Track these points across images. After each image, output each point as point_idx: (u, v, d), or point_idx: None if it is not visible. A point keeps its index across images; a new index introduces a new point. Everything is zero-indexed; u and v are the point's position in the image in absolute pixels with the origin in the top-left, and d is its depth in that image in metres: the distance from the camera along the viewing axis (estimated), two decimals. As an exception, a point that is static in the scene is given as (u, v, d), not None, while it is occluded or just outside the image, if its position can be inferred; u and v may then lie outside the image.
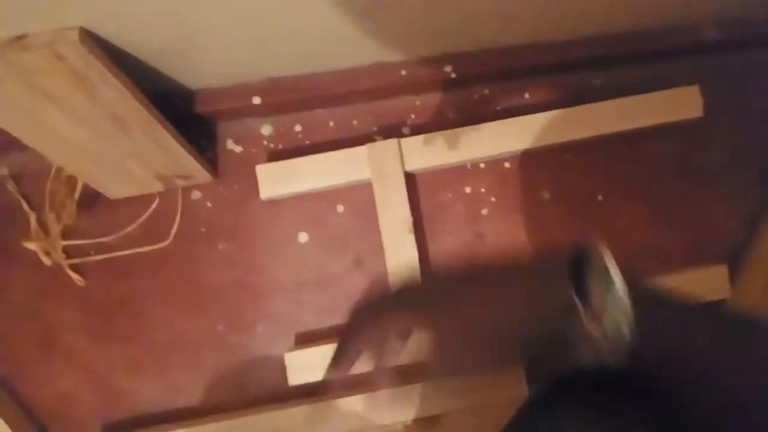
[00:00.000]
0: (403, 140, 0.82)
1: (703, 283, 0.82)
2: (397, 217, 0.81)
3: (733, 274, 0.83)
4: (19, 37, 0.56)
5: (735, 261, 0.86)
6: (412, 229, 0.81)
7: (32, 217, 0.86)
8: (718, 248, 0.87)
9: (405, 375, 0.81)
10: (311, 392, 0.83)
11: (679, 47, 0.85)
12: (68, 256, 0.86)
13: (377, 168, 0.81)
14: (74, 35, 0.56)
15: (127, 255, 0.87)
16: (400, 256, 0.81)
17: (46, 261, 0.86)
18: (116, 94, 0.63)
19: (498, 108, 0.89)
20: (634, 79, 0.88)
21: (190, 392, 0.86)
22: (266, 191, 0.83)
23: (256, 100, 0.81)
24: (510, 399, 0.78)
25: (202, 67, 0.74)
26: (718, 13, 0.82)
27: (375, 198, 0.81)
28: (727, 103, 0.88)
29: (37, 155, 0.75)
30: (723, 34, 0.83)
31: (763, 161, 0.89)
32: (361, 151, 0.82)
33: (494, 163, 0.87)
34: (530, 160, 0.87)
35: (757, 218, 0.87)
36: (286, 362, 0.80)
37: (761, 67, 0.90)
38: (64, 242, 0.86)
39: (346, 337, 0.50)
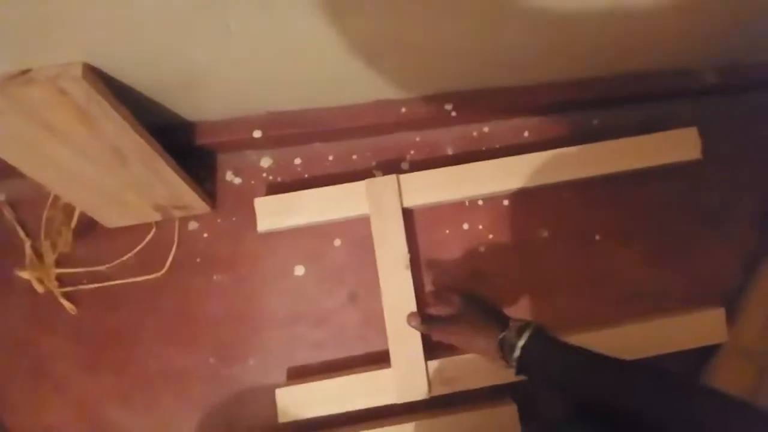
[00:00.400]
0: (402, 176, 0.82)
1: (701, 326, 0.82)
2: (394, 253, 0.81)
3: (731, 317, 0.82)
4: (23, 72, 0.56)
5: (733, 303, 0.85)
6: (409, 265, 0.80)
7: (27, 245, 0.86)
8: (715, 290, 0.87)
9: (398, 414, 0.81)
10: (302, 429, 0.82)
11: (678, 90, 0.86)
12: (61, 284, 0.86)
13: (375, 203, 0.81)
14: (77, 70, 0.56)
15: (121, 284, 0.86)
16: (397, 292, 0.80)
17: (39, 289, 0.85)
18: (117, 128, 0.63)
19: (497, 146, 0.89)
20: (633, 120, 0.88)
21: (178, 426, 0.85)
22: (264, 224, 0.82)
23: (257, 134, 0.81)
24: (504, 440, 0.78)
25: (203, 101, 0.75)
26: (717, 58, 0.83)
27: (372, 233, 0.81)
28: (726, 145, 0.88)
29: (34, 183, 0.75)
30: (721, 79, 0.84)
31: (760, 203, 0.89)
32: (359, 186, 0.82)
33: (492, 200, 0.87)
34: (528, 198, 0.88)
35: (754, 261, 0.87)
36: (277, 399, 0.79)
37: (759, 111, 0.91)
38: (58, 270, 0.85)
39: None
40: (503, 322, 0.68)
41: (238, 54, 0.62)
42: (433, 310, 0.81)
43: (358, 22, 0.59)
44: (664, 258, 0.87)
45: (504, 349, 0.66)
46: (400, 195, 0.82)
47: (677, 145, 0.84)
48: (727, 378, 0.81)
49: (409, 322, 0.78)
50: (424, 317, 0.78)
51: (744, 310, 0.84)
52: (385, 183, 0.82)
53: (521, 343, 0.63)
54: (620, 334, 0.81)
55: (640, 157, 0.84)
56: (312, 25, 0.57)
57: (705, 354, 0.84)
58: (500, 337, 0.67)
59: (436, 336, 0.77)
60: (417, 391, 0.78)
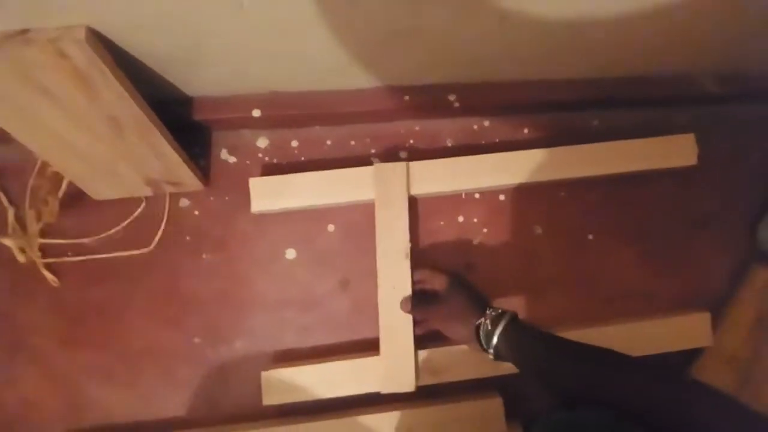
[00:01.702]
0: (412, 164, 0.81)
1: (686, 329, 0.83)
2: (395, 242, 0.80)
3: (716, 322, 0.84)
4: (22, 31, 0.54)
5: (719, 308, 0.87)
6: (409, 254, 0.80)
7: (10, 213, 0.83)
8: (703, 295, 0.88)
9: (384, 402, 0.81)
10: (286, 413, 0.81)
11: (678, 96, 0.87)
12: (44, 255, 0.83)
13: (382, 189, 0.80)
14: (80, 33, 0.54)
15: (106, 258, 0.84)
16: (393, 280, 0.80)
17: (21, 258, 0.82)
18: (116, 96, 0.61)
19: (496, 140, 0.89)
20: (632, 123, 0.89)
21: (160, 404, 0.83)
22: (258, 205, 0.81)
23: (256, 113, 0.80)
24: (488, 433, 0.78)
25: (205, 75, 0.73)
26: (718, 67, 0.84)
27: (376, 220, 0.80)
28: (721, 153, 0.90)
29: (21, 149, 0.72)
30: (721, 87, 0.85)
31: (752, 212, 0.90)
32: (365, 171, 0.81)
33: (489, 194, 0.87)
34: (525, 194, 0.88)
35: (743, 267, 0.88)
36: (263, 381, 0.79)
37: (757, 121, 0.92)
38: (42, 240, 0.83)
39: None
40: (482, 309, 0.70)
41: (246, 30, 0.60)
42: (417, 283, 0.81)
43: (371, 4, 0.57)
44: (654, 260, 0.88)
45: (480, 338, 0.69)
46: (408, 182, 0.81)
47: (674, 151, 0.85)
48: (708, 382, 0.82)
49: (402, 307, 0.78)
50: (413, 301, 0.79)
51: (730, 316, 0.85)
52: (395, 169, 0.81)
53: (497, 332, 0.66)
54: (607, 333, 0.81)
55: (637, 160, 0.85)
56: (325, 4, 0.56)
57: (689, 357, 0.85)
58: (476, 324, 0.69)
59: (420, 316, 0.78)
60: (403, 383, 0.78)
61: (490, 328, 0.67)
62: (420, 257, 0.85)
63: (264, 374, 0.79)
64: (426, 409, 0.79)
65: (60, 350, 0.83)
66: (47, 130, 0.66)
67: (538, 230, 0.88)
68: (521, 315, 0.70)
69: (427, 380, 0.79)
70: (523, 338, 0.65)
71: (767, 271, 0.86)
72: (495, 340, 0.66)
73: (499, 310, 0.69)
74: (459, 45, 0.69)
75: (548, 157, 0.83)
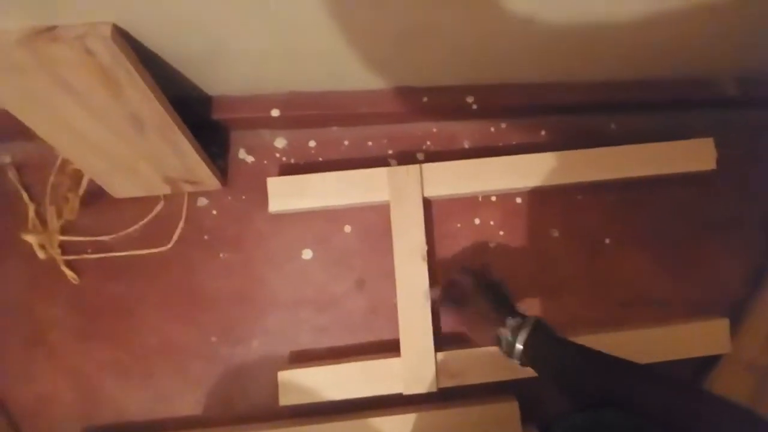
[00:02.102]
0: (425, 166, 0.81)
1: (704, 335, 0.82)
2: (411, 243, 0.80)
3: (734, 328, 0.83)
4: (50, 28, 0.55)
5: (737, 314, 0.86)
6: (426, 256, 0.80)
7: (31, 209, 0.84)
8: (720, 300, 0.88)
9: (399, 404, 0.81)
10: (302, 413, 0.81)
11: (697, 99, 0.87)
12: (64, 252, 0.84)
13: (397, 191, 0.81)
14: (107, 30, 0.55)
15: (125, 256, 0.85)
16: (411, 282, 0.80)
17: (41, 255, 0.83)
18: (140, 95, 0.62)
19: (513, 143, 0.89)
20: (650, 127, 0.89)
21: (175, 402, 0.83)
22: (276, 204, 0.81)
23: (275, 113, 0.80)
24: (506, 438, 0.78)
25: (226, 74, 0.73)
26: (739, 70, 0.84)
27: (391, 222, 0.81)
28: (741, 158, 0.89)
29: (43, 146, 0.73)
30: (741, 91, 0.84)
31: (770, 218, 0.90)
32: (379, 172, 0.81)
33: (506, 196, 0.87)
34: (541, 197, 0.87)
35: (761, 273, 0.87)
36: (279, 382, 0.79)
37: (775, 126, 0.92)
38: (62, 237, 0.84)
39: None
40: (506, 315, 0.68)
41: (269, 30, 0.61)
42: (447, 286, 0.80)
43: (393, 3, 0.58)
44: (671, 265, 0.88)
45: (502, 345, 0.67)
46: (422, 185, 0.81)
47: (693, 155, 0.84)
48: (726, 389, 0.82)
49: (431, 294, 0.79)
50: (441, 296, 0.78)
51: (748, 322, 0.84)
52: (408, 171, 0.81)
53: (519, 341, 0.64)
54: (624, 339, 0.81)
55: (654, 164, 0.84)
56: (347, 2, 0.56)
57: (706, 364, 0.84)
58: (497, 332, 0.67)
59: (445, 314, 0.78)
60: (425, 383, 0.78)
61: (510, 338, 0.65)
62: (438, 259, 0.86)
63: (281, 374, 0.79)
64: (441, 412, 0.79)
65: (77, 346, 0.84)
66: (70, 127, 0.66)
67: (555, 233, 0.87)
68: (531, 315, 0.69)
69: (446, 383, 0.78)
70: (546, 349, 0.63)
71: (787, 276, 0.85)
72: (517, 349, 0.64)
73: (521, 319, 0.66)
74: (478, 46, 0.69)
75: (565, 160, 0.83)
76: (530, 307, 0.86)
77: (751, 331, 0.84)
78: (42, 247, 0.83)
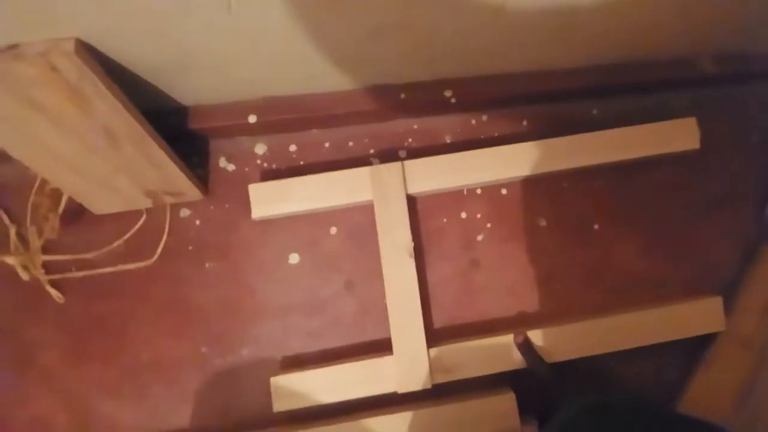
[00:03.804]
0: (407, 162, 0.81)
1: (698, 315, 0.81)
2: (397, 242, 0.79)
3: (728, 306, 0.82)
4: (12, 47, 0.54)
5: (730, 293, 0.85)
6: (413, 254, 0.79)
7: (12, 230, 0.83)
8: (713, 280, 0.87)
9: (395, 403, 0.80)
10: (297, 418, 0.80)
11: (677, 79, 0.86)
12: (48, 272, 0.83)
13: (380, 190, 0.80)
14: (69, 46, 0.54)
15: (110, 272, 0.84)
16: (399, 280, 0.79)
17: (24, 276, 0.82)
18: (109, 108, 0.61)
19: (496, 134, 0.88)
20: (632, 110, 0.88)
21: (170, 416, 0.83)
22: (259, 211, 0.81)
23: (252, 119, 0.79)
24: (501, 428, 0.77)
25: (198, 83, 0.72)
26: (718, 47, 0.83)
27: (376, 221, 0.80)
28: (725, 135, 0.89)
29: (20, 166, 0.72)
30: (721, 68, 0.84)
31: (759, 193, 0.89)
32: (360, 172, 0.80)
33: (491, 188, 0.87)
34: (527, 187, 0.87)
35: (752, 250, 0.87)
36: (272, 387, 0.78)
37: (759, 101, 0.91)
38: (45, 257, 0.83)
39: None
40: None
41: (233, 35, 0.60)
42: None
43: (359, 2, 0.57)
44: (662, 247, 0.87)
45: None
46: (405, 182, 0.80)
47: (676, 135, 0.84)
48: (724, 367, 0.81)
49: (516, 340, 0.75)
50: None
51: (742, 298, 0.84)
52: (390, 170, 0.80)
53: None
54: (618, 323, 0.80)
55: (638, 146, 0.83)
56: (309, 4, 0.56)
57: (702, 343, 0.84)
58: None
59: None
60: (419, 381, 0.77)
61: None
62: (425, 255, 0.85)
63: (273, 380, 0.78)
64: (438, 408, 0.78)
65: (68, 366, 0.83)
66: (42, 145, 0.65)
67: (543, 222, 0.87)
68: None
69: (440, 378, 0.78)
70: None
71: (778, 251, 0.85)
72: None
73: None
74: (450, 39, 0.69)
75: (549, 148, 0.82)
76: (522, 297, 0.85)
77: (745, 308, 0.83)
78: (25, 268, 0.82)
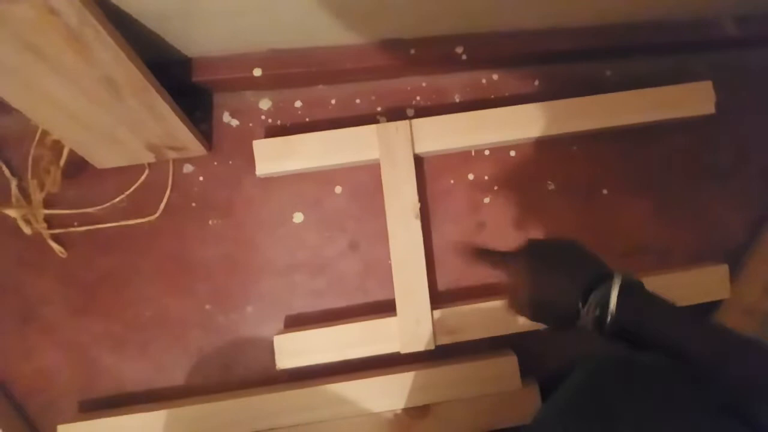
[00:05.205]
0: (414, 121, 0.79)
1: (704, 282, 0.81)
2: (404, 202, 0.78)
3: (734, 274, 0.82)
4: (9, -12, 0.52)
5: (736, 261, 0.85)
6: (419, 214, 0.78)
7: (13, 183, 0.82)
8: (720, 248, 0.86)
9: (397, 363, 0.80)
10: (299, 377, 0.81)
11: (695, 41, 0.83)
12: (50, 226, 0.82)
13: (386, 149, 0.78)
14: (69, -12, 0.52)
15: (112, 227, 0.83)
16: (405, 241, 0.78)
17: (27, 230, 0.81)
18: (111, 55, 0.59)
19: (506, 94, 0.86)
20: (647, 72, 0.86)
21: (173, 372, 0.83)
22: (263, 168, 0.79)
23: (257, 72, 0.77)
24: (502, 390, 0.77)
25: (202, 32, 0.70)
26: (739, 8, 0.80)
27: (382, 180, 0.79)
28: (740, 101, 0.86)
29: (21, 118, 0.71)
30: (741, 31, 0.81)
31: (771, 162, 0.88)
32: (368, 130, 0.79)
33: (499, 150, 0.85)
34: (536, 149, 0.85)
35: (760, 220, 0.86)
36: (275, 345, 0.78)
37: (775, 66, 0.89)
38: (46, 211, 0.82)
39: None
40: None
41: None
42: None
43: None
44: (670, 213, 0.86)
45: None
46: (412, 141, 0.79)
47: (691, 99, 0.82)
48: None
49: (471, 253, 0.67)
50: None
51: (747, 267, 0.83)
52: (398, 128, 0.78)
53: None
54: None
55: (652, 110, 0.82)
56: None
57: (707, 310, 0.83)
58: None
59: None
60: (422, 341, 0.77)
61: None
62: (431, 216, 0.84)
63: (276, 338, 0.78)
64: (441, 369, 0.78)
65: (71, 320, 0.83)
66: (43, 95, 0.64)
67: (551, 186, 0.86)
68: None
69: (443, 340, 0.78)
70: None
71: (787, 221, 0.84)
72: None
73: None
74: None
75: (559, 109, 0.81)
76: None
77: (750, 277, 0.83)
78: (27, 221, 0.81)
